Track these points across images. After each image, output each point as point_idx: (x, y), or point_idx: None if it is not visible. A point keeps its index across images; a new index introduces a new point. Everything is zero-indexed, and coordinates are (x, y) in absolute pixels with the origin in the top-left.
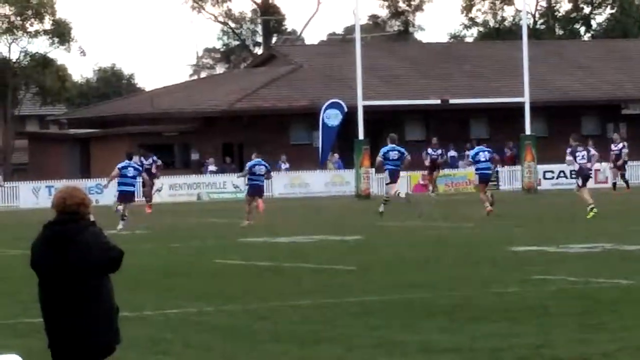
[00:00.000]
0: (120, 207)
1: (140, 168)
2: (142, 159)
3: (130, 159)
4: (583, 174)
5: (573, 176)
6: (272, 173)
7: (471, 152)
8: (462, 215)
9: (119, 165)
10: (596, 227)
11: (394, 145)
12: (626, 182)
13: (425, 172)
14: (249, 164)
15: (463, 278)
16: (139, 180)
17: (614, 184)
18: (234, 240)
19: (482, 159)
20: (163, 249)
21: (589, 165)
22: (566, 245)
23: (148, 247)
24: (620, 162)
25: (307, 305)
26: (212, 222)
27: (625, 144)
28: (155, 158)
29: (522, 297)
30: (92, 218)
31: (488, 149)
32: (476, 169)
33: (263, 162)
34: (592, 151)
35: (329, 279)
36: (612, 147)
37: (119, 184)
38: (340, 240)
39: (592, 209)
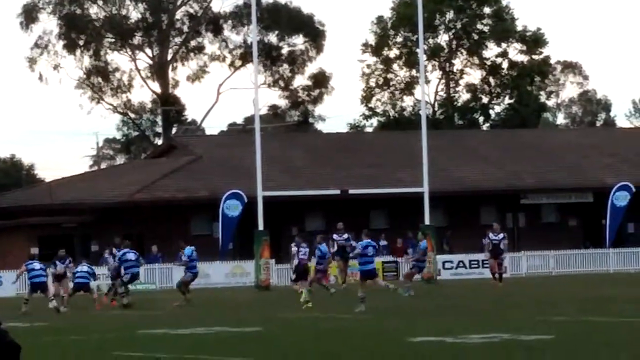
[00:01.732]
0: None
1: (44, 264)
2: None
3: (33, 259)
4: (299, 270)
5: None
6: (171, 264)
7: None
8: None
9: (25, 263)
10: (495, 318)
11: (128, 249)
12: (500, 275)
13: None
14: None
15: None
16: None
17: (500, 275)
18: (134, 332)
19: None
20: (62, 342)
21: (307, 261)
22: (465, 335)
23: (48, 340)
24: (503, 255)
25: None
26: (112, 313)
27: (505, 234)
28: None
29: None
30: None
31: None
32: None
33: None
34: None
35: None
36: (492, 236)
37: (29, 277)
38: (240, 332)
39: (307, 302)
